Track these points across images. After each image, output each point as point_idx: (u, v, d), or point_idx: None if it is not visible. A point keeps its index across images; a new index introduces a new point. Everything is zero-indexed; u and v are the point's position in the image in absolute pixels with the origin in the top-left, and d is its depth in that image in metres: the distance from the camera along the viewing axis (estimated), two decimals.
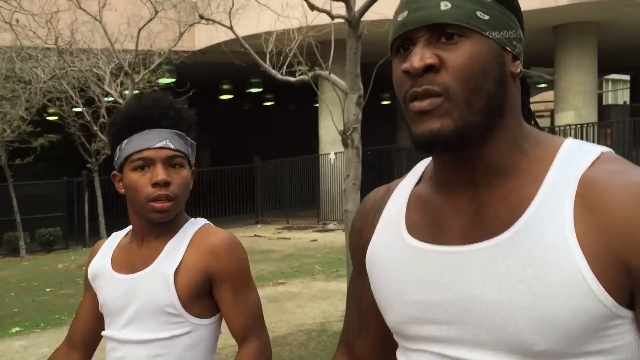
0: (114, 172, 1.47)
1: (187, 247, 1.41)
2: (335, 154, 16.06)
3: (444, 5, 0.81)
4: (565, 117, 15.79)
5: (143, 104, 1.42)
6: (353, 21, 3.58)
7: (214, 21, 4.22)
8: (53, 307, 7.18)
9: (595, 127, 13.88)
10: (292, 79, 4.24)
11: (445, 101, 0.82)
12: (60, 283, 8.86)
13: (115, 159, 1.44)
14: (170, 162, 1.39)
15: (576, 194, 0.79)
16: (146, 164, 1.38)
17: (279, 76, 4.29)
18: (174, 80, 10.72)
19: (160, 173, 1.37)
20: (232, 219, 16.73)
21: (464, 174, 0.88)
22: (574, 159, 0.83)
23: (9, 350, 5.50)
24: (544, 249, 0.78)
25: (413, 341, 0.91)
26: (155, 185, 1.37)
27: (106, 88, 8.48)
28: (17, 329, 6.22)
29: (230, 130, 26.51)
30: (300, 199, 16.37)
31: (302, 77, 4.15)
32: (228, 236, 1.44)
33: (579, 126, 12.54)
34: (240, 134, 27.62)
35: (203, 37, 14.35)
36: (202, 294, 1.41)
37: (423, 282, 0.88)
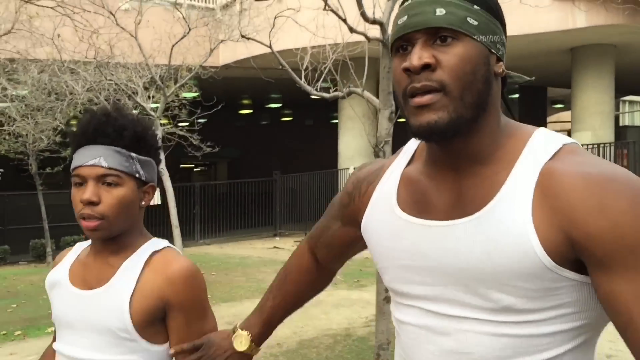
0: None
1: (143, 269, 1.35)
2: (354, 168, 16.31)
3: (439, 12, 0.94)
4: (582, 137, 15.95)
5: (83, 120, 1.40)
6: (387, 43, 3.87)
7: (255, 40, 4.52)
8: None
9: (612, 147, 14.03)
10: (326, 95, 4.51)
11: (443, 96, 0.95)
12: None
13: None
14: (102, 181, 1.32)
15: (537, 182, 0.95)
16: (81, 181, 1.34)
17: (314, 92, 4.56)
18: (197, 94, 11.02)
19: (86, 192, 1.31)
20: (250, 231, 17.00)
21: (450, 161, 1.03)
22: (538, 151, 0.98)
23: None
24: (505, 227, 0.94)
25: (404, 297, 1.09)
26: (82, 203, 1.32)
27: (138, 100, 8.82)
28: (52, 328, 6.50)
29: (248, 144, 26.82)
30: (319, 213, 16.45)
31: (336, 93, 4.42)
32: (188, 265, 1.36)
33: (595, 146, 12.69)
34: (257, 148, 27.95)
35: (227, 53, 14.74)
36: (156, 320, 1.36)
37: (411, 250, 1.05)
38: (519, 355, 0.96)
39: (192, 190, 15.29)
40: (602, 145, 12.77)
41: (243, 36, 4.41)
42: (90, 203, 1.30)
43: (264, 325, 1.40)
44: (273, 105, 26.99)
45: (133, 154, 1.34)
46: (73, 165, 1.35)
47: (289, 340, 5.33)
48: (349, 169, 16.45)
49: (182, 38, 8.24)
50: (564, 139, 1.01)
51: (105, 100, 8.87)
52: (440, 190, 1.04)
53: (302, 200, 17.57)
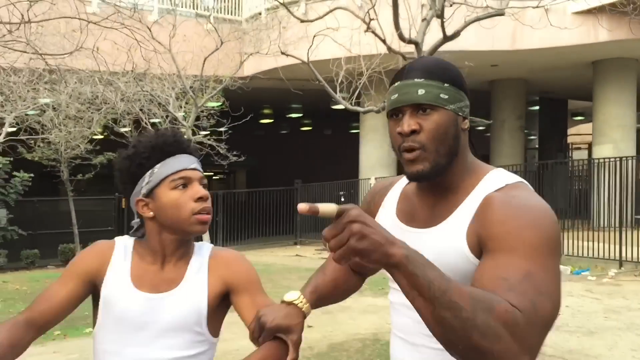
0: (138, 198, 1.51)
1: (208, 266, 1.53)
2: (376, 178, 16.49)
3: (420, 92, 1.32)
4: (603, 150, 15.99)
5: (168, 134, 1.56)
6: None
7: (293, 57, 4.76)
8: None
9: (634, 161, 14.07)
10: (361, 109, 4.74)
11: (422, 152, 1.33)
12: None
13: (144, 184, 1.50)
14: (201, 182, 1.51)
15: (478, 206, 1.32)
16: (186, 182, 1.48)
17: (349, 106, 4.78)
18: (221, 103, 11.27)
19: (201, 190, 1.48)
20: (271, 239, 17.22)
21: (430, 190, 1.42)
22: (488, 185, 1.35)
23: (89, 346, 6.04)
24: (450, 238, 1.33)
25: (393, 283, 1.40)
26: (199, 199, 1.47)
27: (170, 110, 9.13)
28: (90, 329, 6.76)
29: (267, 153, 27.09)
30: None
31: (371, 107, 4.64)
32: (236, 252, 1.60)
33: (617, 159, 12.74)
34: (276, 158, 28.19)
35: (251, 64, 15.03)
36: (219, 312, 1.52)
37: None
38: None
39: (214, 199, 15.52)
40: (623, 158, 12.80)
41: (283, 53, 4.64)
42: (208, 199, 1.49)
43: (313, 292, 1.58)
44: (294, 115, 27.34)
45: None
46: (172, 170, 1.48)
47: (319, 343, 5.53)
48: (370, 178, 16.64)
49: (214, 51, 8.52)
50: (509, 179, 1.36)
51: (140, 110, 9.22)
52: (422, 207, 1.44)
53: None
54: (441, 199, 1.39)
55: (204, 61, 8.70)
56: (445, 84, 1.34)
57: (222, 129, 10.26)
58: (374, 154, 17.10)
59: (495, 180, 1.36)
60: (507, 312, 1.09)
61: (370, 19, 4.08)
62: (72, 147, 11.88)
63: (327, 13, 4.75)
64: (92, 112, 10.55)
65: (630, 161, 13.45)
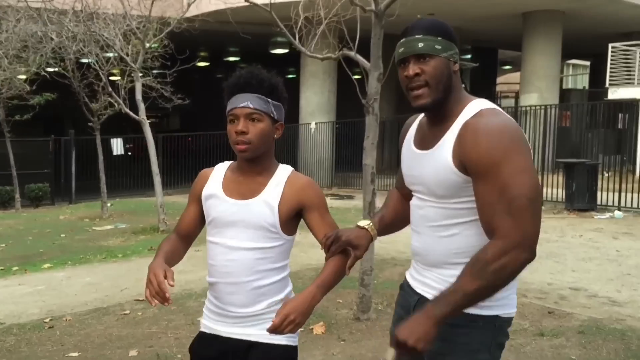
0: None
1: (285, 185, 1.90)
2: (316, 123, 16.84)
3: (420, 45, 1.73)
4: (529, 99, 16.92)
5: (241, 75, 1.91)
6: (379, 13, 4.46)
7: (253, 3, 5.00)
8: (75, 249, 7.93)
9: (556, 109, 15.02)
10: (319, 56, 5.06)
11: (427, 89, 1.73)
12: (71, 230, 9.57)
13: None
14: (249, 117, 1.85)
15: (459, 130, 1.70)
16: (234, 118, 1.87)
17: (308, 53, 5.09)
18: (157, 45, 10.96)
19: (240, 125, 1.85)
20: None
21: (432, 119, 1.82)
22: (467, 113, 1.73)
23: (53, 279, 6.29)
24: (441, 157, 1.73)
25: (412, 191, 1.92)
26: (237, 133, 1.85)
27: (119, 52, 9.08)
28: (48, 264, 6.97)
29: (203, 96, 26.84)
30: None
31: (329, 55, 4.97)
32: (309, 178, 1.99)
33: (541, 107, 13.60)
34: (212, 101, 27.79)
35: (197, 6, 14.82)
36: (292, 218, 1.91)
37: (413, 166, 1.88)
38: (449, 218, 1.77)
39: (156, 143, 15.37)
40: (548, 106, 13.69)
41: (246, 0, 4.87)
42: (242, 133, 1.84)
43: (380, 221, 2.05)
44: (231, 59, 27.09)
45: (269, 99, 1.88)
46: (228, 108, 1.87)
47: None
48: (310, 123, 16.98)
49: None
50: (483, 105, 1.75)
51: (79, 51, 9.13)
52: (428, 133, 1.83)
53: None
54: (438, 126, 1.78)
55: (152, 2, 8.70)
56: (439, 38, 1.74)
57: (170, 72, 10.24)
58: (314, 100, 17.38)
59: (473, 108, 1.74)
60: (494, 253, 1.59)
61: None
62: (9, 87, 11.59)
63: None
64: (32, 52, 10.31)
65: (553, 109, 14.39)
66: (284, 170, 1.95)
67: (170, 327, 4.59)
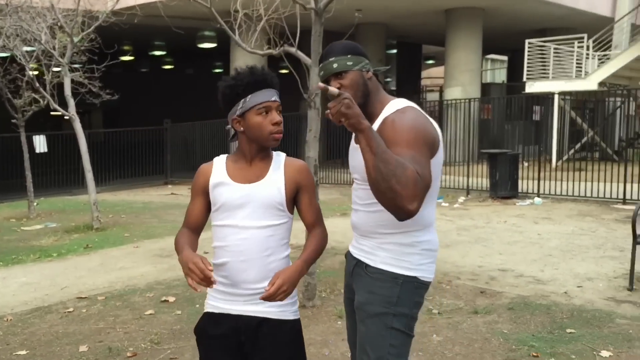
0: (234, 116, 2.06)
1: (284, 167, 2.11)
2: None
3: (335, 65, 2.06)
4: (453, 93, 17.60)
5: (258, 72, 2.07)
6: (319, 11, 4.62)
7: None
8: (5, 250, 7.67)
9: (478, 103, 15.71)
10: (260, 52, 5.17)
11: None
12: None
13: (238, 107, 2.05)
14: (278, 109, 2.08)
15: (380, 124, 2.01)
16: (267, 110, 2.04)
17: (249, 49, 5.19)
18: (78, 39, 10.69)
19: (277, 117, 2.06)
20: (139, 179, 16.97)
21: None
22: (386, 111, 2.04)
23: (13, 275, 6.10)
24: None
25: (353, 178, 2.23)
26: (275, 124, 2.05)
27: (45, 45, 8.82)
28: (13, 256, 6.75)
29: (127, 92, 26.23)
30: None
31: (270, 51, 5.09)
32: (305, 163, 2.21)
33: (464, 101, 14.20)
34: (137, 97, 27.21)
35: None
36: (291, 197, 2.10)
37: (352, 157, 2.19)
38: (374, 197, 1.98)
39: (88, 139, 14.90)
40: (470, 100, 14.31)
41: None
42: (280, 123, 2.06)
43: None
44: (157, 53, 26.57)
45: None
46: (259, 100, 2.03)
47: None
48: None
49: None
50: (399, 105, 2.06)
51: (3, 46, 8.80)
52: None
53: (194, 148, 17.85)
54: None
55: None
56: (349, 55, 2.10)
57: (100, 67, 10.01)
58: None
59: (391, 106, 2.06)
60: (414, 171, 1.84)
61: None
62: None
63: None
64: None
65: (475, 103, 15.06)
66: (278, 156, 2.16)
67: (118, 322, 4.60)
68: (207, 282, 1.89)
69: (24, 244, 8.16)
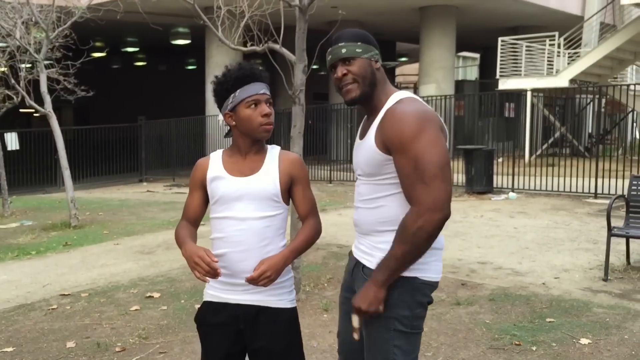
0: (226, 111, 2.13)
1: (279, 160, 2.16)
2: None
3: (343, 51, 2.04)
4: (427, 89, 17.79)
5: (246, 67, 2.12)
6: (303, 8, 4.67)
7: None
8: None
9: (452, 99, 15.92)
10: (243, 48, 5.19)
11: (355, 84, 2.03)
12: None
13: (229, 103, 2.10)
14: (267, 102, 2.13)
15: (382, 116, 2.00)
16: (256, 103, 2.09)
17: (232, 46, 5.21)
18: (41, 34, 10.51)
19: (267, 109, 2.11)
20: (113, 177, 16.77)
21: (367, 112, 2.11)
22: (391, 102, 2.02)
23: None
24: (370, 143, 2.02)
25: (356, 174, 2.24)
26: (265, 116, 2.10)
27: (20, 41, 8.70)
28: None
29: (98, 89, 25.88)
30: (186, 158, 16.60)
31: (254, 47, 5.12)
32: (299, 155, 2.36)
33: (438, 97, 14.38)
34: (108, 94, 26.75)
35: None
36: (286, 189, 2.15)
37: (355, 154, 2.19)
38: (376, 192, 2.05)
39: (50, 136, 14.70)
40: (444, 97, 14.49)
41: None
42: (270, 115, 2.11)
43: None
44: (129, 50, 26.26)
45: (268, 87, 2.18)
46: (248, 94, 2.08)
47: None
48: (217, 115, 16.85)
49: None
50: (403, 95, 2.06)
51: None
52: (365, 125, 2.12)
53: (169, 146, 17.71)
54: (371, 117, 2.09)
55: None
56: (359, 43, 2.06)
57: (77, 63, 9.90)
58: None
59: (393, 99, 2.04)
60: (411, 217, 1.88)
61: None
62: None
63: None
64: None
65: (449, 99, 15.26)
66: (273, 149, 2.21)
67: (104, 318, 4.60)
68: (214, 274, 1.96)
69: (1, 242, 8.06)
